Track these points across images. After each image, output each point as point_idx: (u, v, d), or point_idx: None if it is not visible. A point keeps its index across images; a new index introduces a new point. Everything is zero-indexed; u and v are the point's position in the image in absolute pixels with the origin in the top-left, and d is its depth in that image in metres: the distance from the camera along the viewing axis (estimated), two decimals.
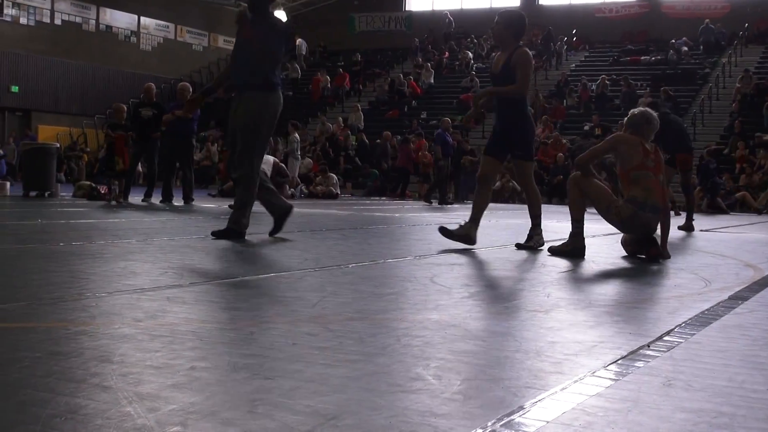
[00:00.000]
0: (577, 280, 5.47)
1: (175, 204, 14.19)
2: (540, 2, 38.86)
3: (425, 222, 11.61)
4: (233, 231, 7.28)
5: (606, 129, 26.92)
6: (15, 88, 30.56)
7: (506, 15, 7.67)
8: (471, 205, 7.61)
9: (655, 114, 7.13)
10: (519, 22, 7.55)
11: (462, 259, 6.36)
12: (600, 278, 5.55)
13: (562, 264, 6.21)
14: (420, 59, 35.97)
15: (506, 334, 3.38)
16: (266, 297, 4.07)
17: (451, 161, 22.75)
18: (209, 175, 27.40)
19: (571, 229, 6.89)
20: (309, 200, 20.22)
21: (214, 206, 14.30)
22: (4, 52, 30.13)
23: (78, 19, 33.36)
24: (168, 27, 37.24)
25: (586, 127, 27.69)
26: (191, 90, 15.42)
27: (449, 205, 19.00)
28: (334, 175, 23.13)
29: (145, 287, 4.24)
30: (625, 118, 7.33)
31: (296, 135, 22.82)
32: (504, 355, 2.97)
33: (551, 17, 36.97)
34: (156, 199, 14.64)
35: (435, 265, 5.86)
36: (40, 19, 31.90)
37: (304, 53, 39.39)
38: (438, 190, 20.61)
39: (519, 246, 7.43)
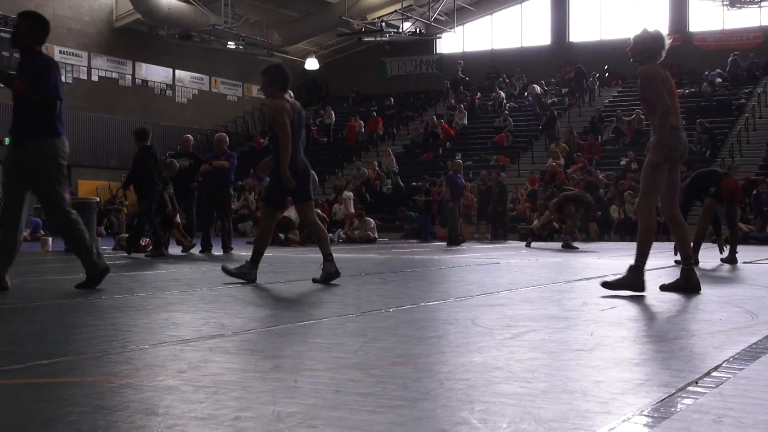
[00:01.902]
0: (620, 317, 5.41)
1: (215, 253, 14.26)
2: (570, 40, 38.92)
3: (464, 263, 11.58)
4: (93, 277, 7.18)
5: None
6: None
7: (269, 70, 8.08)
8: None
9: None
10: (281, 74, 7.97)
11: (502, 299, 6.33)
12: (643, 314, 5.49)
13: (603, 302, 6.16)
14: (453, 100, 36.10)
15: (551, 374, 3.35)
16: (308, 344, 4.07)
17: (498, 201, 22.82)
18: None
19: (633, 262, 6.68)
20: (347, 245, 20.25)
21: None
22: None
23: (114, 75, 33.92)
24: (202, 79, 37.73)
25: (623, 162, 27.58)
26: (227, 140, 15.57)
27: (457, 247, 18.81)
28: (371, 220, 23.17)
29: (187, 338, 4.26)
30: (634, 48, 7.09)
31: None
32: (549, 396, 2.94)
33: (582, 54, 36.98)
34: (195, 250, 14.74)
35: (476, 306, 5.83)
36: (78, 76, 32.45)
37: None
38: (450, 232, 20.47)
39: (315, 280, 7.77)
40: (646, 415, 2.65)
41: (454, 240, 19.81)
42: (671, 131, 6.71)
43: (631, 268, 6.68)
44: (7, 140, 29.93)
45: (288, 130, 7.73)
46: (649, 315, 5.47)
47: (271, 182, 8.18)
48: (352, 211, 24.76)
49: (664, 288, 6.84)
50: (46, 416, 2.65)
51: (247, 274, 7.90)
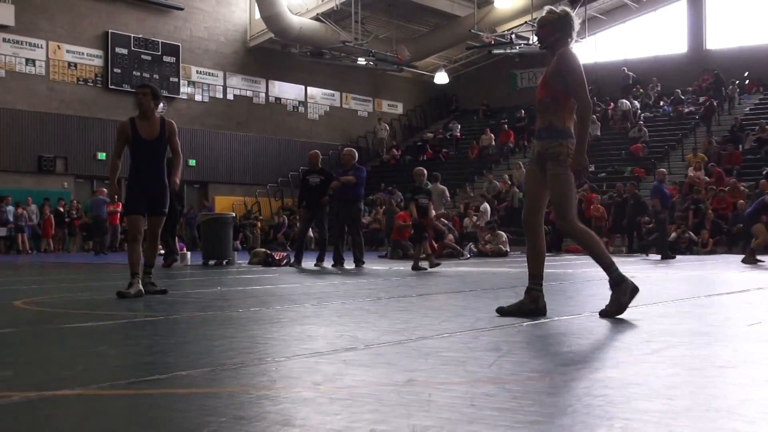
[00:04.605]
0: (766, 332, 5.19)
1: (347, 267, 14.42)
2: (707, 47, 37.79)
3: (598, 277, 11.34)
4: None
5: None
6: (192, 162, 32.03)
7: (153, 86, 8.51)
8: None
9: None
10: (159, 93, 8.51)
11: (639, 314, 6.16)
12: None
13: (748, 317, 5.92)
14: None
15: (693, 391, 3.24)
16: (441, 358, 4.05)
17: (634, 213, 22.24)
18: (378, 238, 27.80)
19: (608, 278, 5.88)
20: (479, 259, 20.15)
21: (384, 268, 14.44)
22: (182, 129, 31.45)
23: (249, 93, 34.78)
24: (333, 95, 38.30)
25: (766, 172, 26.55)
26: (356, 155, 15.73)
27: (672, 259, 18.31)
28: (503, 233, 22.97)
29: (322, 351, 4.30)
30: (542, 31, 6.17)
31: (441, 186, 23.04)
32: (693, 414, 2.83)
33: (720, 61, 35.85)
34: (328, 264, 14.93)
35: (611, 321, 5.69)
36: (214, 95, 33.43)
37: (385, 137, 39.18)
38: (662, 244, 19.72)
39: (120, 294, 7.92)
40: None
41: (665, 253, 19.13)
42: (573, 140, 5.92)
43: (613, 283, 5.82)
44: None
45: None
46: None
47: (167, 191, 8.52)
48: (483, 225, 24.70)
49: (503, 311, 5.97)
50: (187, 426, 2.71)
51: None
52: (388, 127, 39.39)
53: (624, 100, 35.19)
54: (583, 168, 5.87)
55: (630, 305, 5.83)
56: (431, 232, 14.60)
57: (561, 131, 5.94)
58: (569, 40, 6.12)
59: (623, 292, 5.75)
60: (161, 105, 8.56)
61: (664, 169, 21.75)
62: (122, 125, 8.39)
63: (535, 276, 6.05)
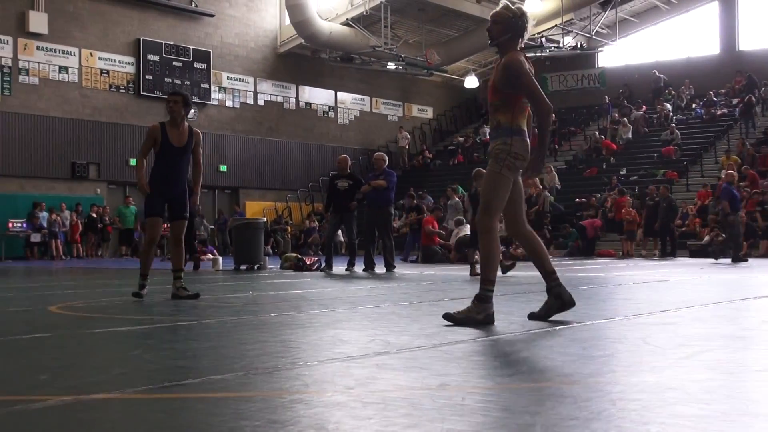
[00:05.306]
0: None
1: (378, 272, 14.42)
2: (740, 49, 37.44)
3: (632, 281, 11.27)
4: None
5: None
6: (223, 168, 32.18)
7: (185, 95, 8.65)
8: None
9: None
10: (190, 101, 8.65)
11: (674, 318, 6.11)
12: None
13: None
14: (616, 115, 35.34)
15: (730, 396, 3.20)
16: (474, 362, 4.04)
17: (666, 216, 22.08)
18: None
19: (479, 291, 5.77)
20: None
21: (415, 272, 14.43)
22: (213, 134, 31.81)
23: (279, 99, 34.89)
24: (363, 100, 38.33)
25: None
26: (387, 159, 15.72)
27: (745, 262, 18.08)
28: None
29: (354, 355, 4.30)
30: (494, 28, 6.07)
31: (456, 199, 23.07)
32: (730, 419, 2.81)
33: (753, 63, 35.49)
34: (358, 268, 14.94)
35: (646, 325, 5.65)
36: (245, 101, 33.57)
37: (406, 146, 38.71)
38: (734, 248, 19.28)
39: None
40: None
41: (737, 257, 18.70)
42: (523, 137, 5.87)
43: (478, 298, 5.69)
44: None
45: None
46: None
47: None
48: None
49: (533, 317, 5.92)
50: (221, 429, 2.72)
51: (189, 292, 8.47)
52: (409, 136, 39.32)
53: (637, 112, 34.94)
54: (536, 173, 6.08)
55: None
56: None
57: (507, 129, 5.88)
58: (519, 40, 6.05)
59: (479, 308, 5.66)
60: (192, 111, 8.73)
61: (733, 171, 21.25)
62: (153, 128, 8.49)
63: (547, 274, 6.04)
